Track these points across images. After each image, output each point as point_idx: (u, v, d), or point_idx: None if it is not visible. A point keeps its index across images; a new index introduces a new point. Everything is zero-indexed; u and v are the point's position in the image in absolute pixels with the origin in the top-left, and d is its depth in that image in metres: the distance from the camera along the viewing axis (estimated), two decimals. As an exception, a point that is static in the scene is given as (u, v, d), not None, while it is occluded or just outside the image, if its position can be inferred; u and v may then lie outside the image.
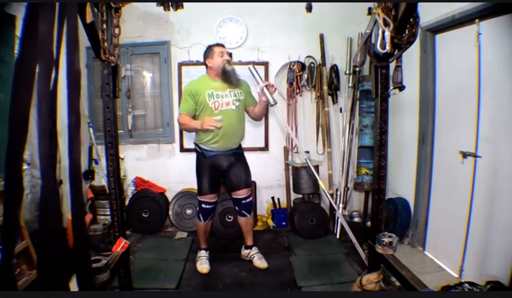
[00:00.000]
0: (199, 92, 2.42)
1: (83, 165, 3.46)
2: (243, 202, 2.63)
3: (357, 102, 3.42)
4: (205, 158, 2.52)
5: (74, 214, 0.88)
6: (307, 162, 2.68)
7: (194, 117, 2.48)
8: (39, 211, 0.78)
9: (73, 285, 0.89)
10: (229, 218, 3.21)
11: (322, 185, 2.63)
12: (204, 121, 2.32)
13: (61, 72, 0.90)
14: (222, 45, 2.53)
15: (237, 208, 2.68)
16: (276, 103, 2.43)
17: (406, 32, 1.46)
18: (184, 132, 3.61)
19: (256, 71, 2.47)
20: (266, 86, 2.40)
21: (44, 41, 0.75)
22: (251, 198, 2.68)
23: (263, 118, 3.41)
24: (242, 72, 2.62)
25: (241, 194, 2.61)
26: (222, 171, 2.57)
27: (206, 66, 2.53)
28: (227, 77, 2.44)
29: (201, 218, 2.60)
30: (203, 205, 2.57)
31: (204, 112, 2.44)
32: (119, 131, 2.49)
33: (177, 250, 2.95)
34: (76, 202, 0.88)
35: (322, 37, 3.51)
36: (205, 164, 2.53)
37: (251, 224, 2.81)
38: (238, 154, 2.62)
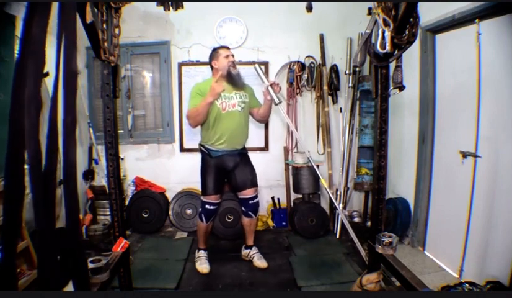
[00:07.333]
0: (207, 92, 2.41)
1: (84, 165, 3.46)
2: (250, 202, 2.61)
3: (357, 102, 3.42)
4: (211, 158, 2.52)
5: (68, 216, 0.87)
6: (310, 161, 2.69)
7: None
8: (34, 212, 0.78)
9: (69, 287, 0.89)
10: (229, 218, 3.21)
11: (324, 183, 2.63)
12: (210, 89, 2.29)
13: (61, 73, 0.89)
14: (227, 47, 2.57)
15: (243, 208, 2.66)
16: (280, 102, 2.47)
17: (406, 32, 1.46)
18: (184, 132, 3.61)
19: (262, 70, 2.50)
20: (271, 85, 2.42)
21: (35, 42, 0.75)
22: (258, 199, 2.67)
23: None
24: (243, 71, 2.62)
25: (248, 193, 2.60)
26: (228, 171, 2.58)
27: (212, 68, 2.55)
28: (232, 79, 2.47)
29: (203, 219, 2.59)
30: (207, 206, 2.56)
31: (212, 112, 2.44)
32: (119, 131, 2.49)
33: (177, 250, 2.95)
34: (70, 203, 0.87)
35: (322, 37, 3.51)
36: (211, 164, 2.52)
37: (255, 225, 2.80)
38: (243, 155, 2.64)
